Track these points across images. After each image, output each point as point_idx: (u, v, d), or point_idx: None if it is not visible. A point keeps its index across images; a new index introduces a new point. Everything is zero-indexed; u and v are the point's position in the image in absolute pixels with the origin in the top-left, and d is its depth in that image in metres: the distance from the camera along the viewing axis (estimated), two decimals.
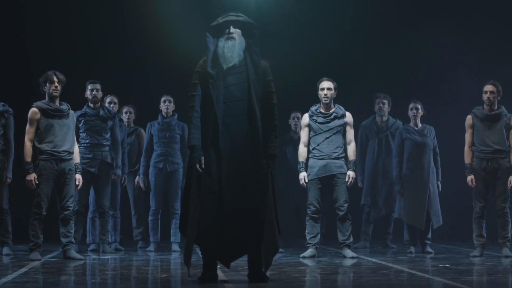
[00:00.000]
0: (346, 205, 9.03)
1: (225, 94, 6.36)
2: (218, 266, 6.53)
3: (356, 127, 9.62)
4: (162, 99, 10.33)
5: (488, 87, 9.27)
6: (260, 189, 6.30)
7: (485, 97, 9.29)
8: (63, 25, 12.36)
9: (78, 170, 8.77)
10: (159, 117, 10.30)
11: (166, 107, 10.28)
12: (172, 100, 10.32)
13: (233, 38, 6.43)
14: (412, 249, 9.88)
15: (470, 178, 9.27)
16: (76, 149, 8.82)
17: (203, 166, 6.27)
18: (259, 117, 6.34)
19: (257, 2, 12.45)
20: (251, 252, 6.35)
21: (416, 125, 10.03)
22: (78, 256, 8.67)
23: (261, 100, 6.40)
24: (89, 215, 10.00)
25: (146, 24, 12.28)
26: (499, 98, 9.31)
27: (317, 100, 9.25)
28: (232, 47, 6.42)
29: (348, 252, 8.99)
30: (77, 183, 8.75)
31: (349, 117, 9.19)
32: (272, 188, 6.40)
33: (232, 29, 6.43)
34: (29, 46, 12.25)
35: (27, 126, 8.60)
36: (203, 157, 6.29)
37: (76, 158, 8.77)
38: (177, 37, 11.96)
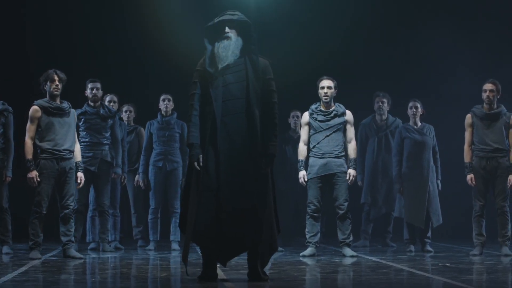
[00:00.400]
0: (346, 203, 9.03)
1: (224, 92, 6.35)
2: (218, 265, 6.53)
3: (356, 125, 9.62)
4: (162, 97, 10.33)
5: (488, 86, 9.26)
6: (259, 187, 6.29)
7: (484, 95, 9.28)
8: (63, 25, 12.36)
9: (80, 168, 8.77)
10: (159, 116, 10.30)
11: (165, 105, 10.28)
12: (171, 98, 10.32)
13: (228, 37, 6.42)
14: (412, 247, 9.88)
15: (469, 177, 9.27)
16: (78, 147, 8.82)
17: (201, 164, 6.27)
18: (257, 116, 6.33)
19: (257, 2, 12.45)
20: (250, 251, 6.35)
21: (415, 124, 10.03)
22: (78, 255, 8.66)
23: (260, 99, 6.39)
24: (89, 214, 9.99)
25: (146, 24, 12.28)
26: (498, 97, 9.30)
27: (317, 100, 9.25)
28: (227, 46, 6.41)
29: (348, 251, 8.98)
30: (78, 181, 8.75)
31: (349, 115, 9.18)
32: (272, 187, 6.39)
33: (227, 29, 6.43)
34: (29, 46, 12.24)
35: (28, 124, 8.59)
36: (201, 155, 6.29)
37: (78, 156, 8.78)
38: (177, 37, 11.96)
